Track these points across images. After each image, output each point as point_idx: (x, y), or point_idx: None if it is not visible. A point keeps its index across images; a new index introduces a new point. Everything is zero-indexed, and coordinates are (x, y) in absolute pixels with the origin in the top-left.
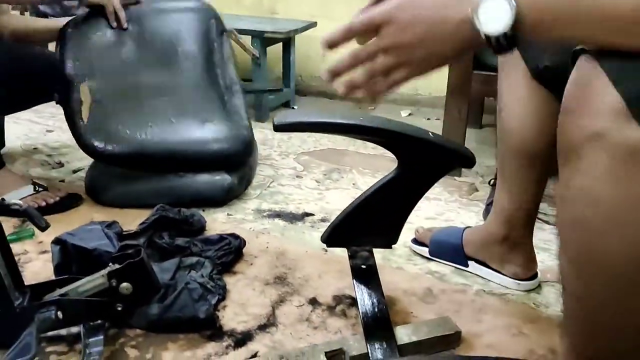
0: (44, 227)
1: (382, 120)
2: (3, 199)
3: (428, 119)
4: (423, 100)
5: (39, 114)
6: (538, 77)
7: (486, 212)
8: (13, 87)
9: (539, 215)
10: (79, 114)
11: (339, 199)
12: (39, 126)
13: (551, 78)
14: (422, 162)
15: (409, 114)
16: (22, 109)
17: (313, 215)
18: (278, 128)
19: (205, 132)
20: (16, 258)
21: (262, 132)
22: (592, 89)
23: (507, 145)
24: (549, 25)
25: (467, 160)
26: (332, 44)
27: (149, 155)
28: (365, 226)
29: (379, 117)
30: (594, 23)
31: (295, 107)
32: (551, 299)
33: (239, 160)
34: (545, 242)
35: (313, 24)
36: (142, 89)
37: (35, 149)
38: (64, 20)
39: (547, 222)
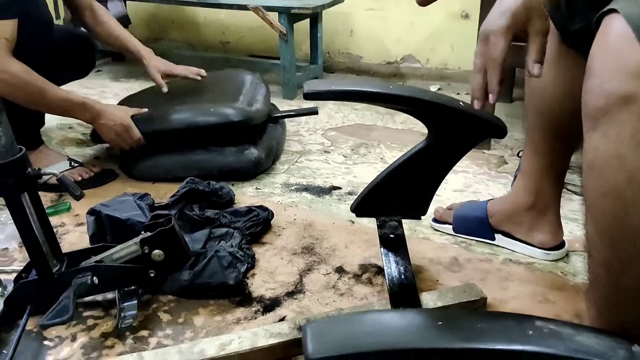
0: (78, 196)
1: (413, 89)
2: (39, 168)
3: (458, 93)
4: (452, 75)
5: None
6: (567, 40)
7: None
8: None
9: (568, 186)
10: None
11: (366, 172)
12: None
13: (581, 41)
14: (453, 132)
15: (438, 89)
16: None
17: (340, 188)
18: (308, 96)
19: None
20: (54, 230)
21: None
22: (619, 51)
23: (535, 107)
24: None
25: (498, 130)
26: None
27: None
28: (395, 196)
29: (410, 86)
30: None
31: None
32: (579, 268)
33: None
34: (575, 212)
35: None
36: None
37: (70, 128)
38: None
39: (575, 193)
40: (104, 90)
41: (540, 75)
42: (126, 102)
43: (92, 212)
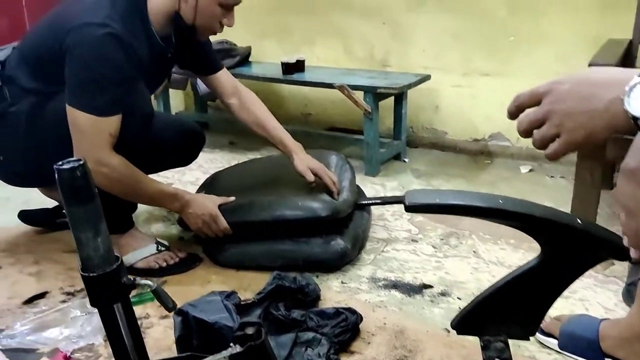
0: (171, 308)
1: (525, 203)
2: (135, 278)
3: (551, 176)
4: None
5: None
6: None
7: (627, 293)
8: (161, 152)
9: None
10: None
11: (458, 269)
12: (159, 178)
13: None
14: (569, 252)
15: (530, 170)
16: (161, 170)
17: (432, 287)
18: (410, 209)
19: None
20: (138, 322)
21: (373, 188)
22: None
23: None
24: None
25: (620, 253)
26: (509, 115)
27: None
28: (501, 315)
29: (520, 200)
30: None
31: (406, 159)
32: None
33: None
34: None
35: (427, 77)
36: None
37: None
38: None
39: None
40: None
41: None
42: (212, 181)
43: (179, 312)
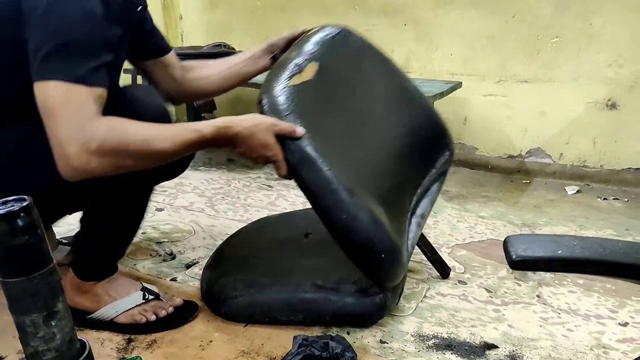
0: None
1: None
2: None
3: (604, 198)
4: (592, 174)
5: None
6: None
7: None
8: None
9: None
10: (290, 76)
11: (524, 319)
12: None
13: None
14: None
15: (577, 191)
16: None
17: (496, 347)
18: (517, 265)
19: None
20: None
21: None
22: None
23: None
24: None
25: None
26: None
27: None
28: None
29: None
30: None
31: None
32: None
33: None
34: None
35: (458, 85)
36: (344, 129)
37: (143, 233)
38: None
39: None
40: (181, 182)
41: None
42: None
43: None
